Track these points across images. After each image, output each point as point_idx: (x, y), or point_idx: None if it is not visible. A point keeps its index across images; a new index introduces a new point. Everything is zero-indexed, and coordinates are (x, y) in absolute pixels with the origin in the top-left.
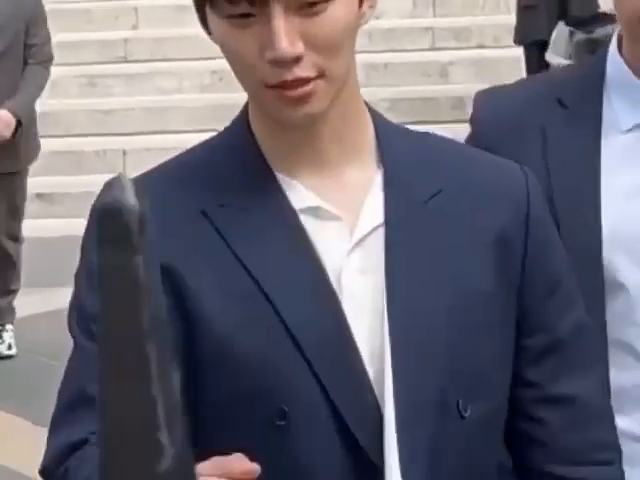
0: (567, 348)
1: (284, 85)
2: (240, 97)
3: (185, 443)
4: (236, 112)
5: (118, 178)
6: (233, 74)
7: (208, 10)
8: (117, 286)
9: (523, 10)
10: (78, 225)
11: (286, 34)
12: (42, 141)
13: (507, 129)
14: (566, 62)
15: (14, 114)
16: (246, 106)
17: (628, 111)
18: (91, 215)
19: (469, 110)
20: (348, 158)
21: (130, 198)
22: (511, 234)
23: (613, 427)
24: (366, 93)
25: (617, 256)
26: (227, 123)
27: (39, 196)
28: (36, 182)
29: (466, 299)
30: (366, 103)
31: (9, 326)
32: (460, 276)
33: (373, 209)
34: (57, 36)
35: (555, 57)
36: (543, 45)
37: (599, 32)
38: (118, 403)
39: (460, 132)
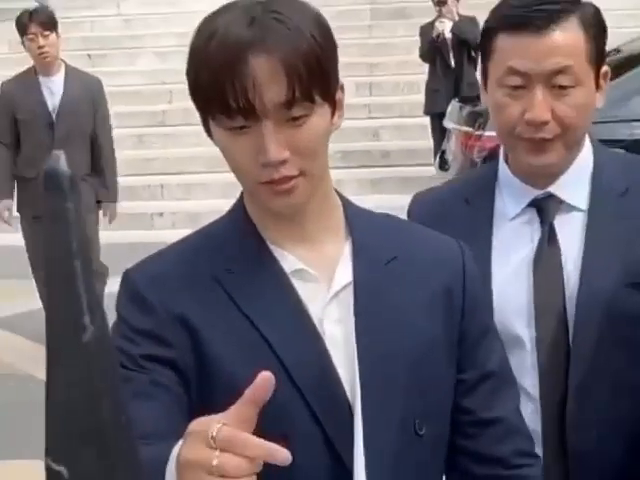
0: (495, 379)
1: (273, 182)
2: None
3: (103, 325)
4: None
5: (56, 154)
6: None
7: (211, 122)
8: (54, 222)
9: (430, 92)
10: (132, 235)
11: (275, 143)
12: None
13: (429, 223)
14: (457, 127)
15: (115, 202)
16: (242, 194)
17: (513, 203)
18: (123, 281)
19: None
20: (324, 233)
21: (64, 166)
22: (452, 289)
23: (531, 439)
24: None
25: (509, 317)
26: (227, 165)
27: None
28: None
29: (420, 341)
30: (336, 191)
31: None
32: (415, 323)
33: (344, 271)
34: (118, 108)
35: (450, 123)
36: (442, 115)
37: (480, 107)
38: (57, 297)
39: (385, 173)
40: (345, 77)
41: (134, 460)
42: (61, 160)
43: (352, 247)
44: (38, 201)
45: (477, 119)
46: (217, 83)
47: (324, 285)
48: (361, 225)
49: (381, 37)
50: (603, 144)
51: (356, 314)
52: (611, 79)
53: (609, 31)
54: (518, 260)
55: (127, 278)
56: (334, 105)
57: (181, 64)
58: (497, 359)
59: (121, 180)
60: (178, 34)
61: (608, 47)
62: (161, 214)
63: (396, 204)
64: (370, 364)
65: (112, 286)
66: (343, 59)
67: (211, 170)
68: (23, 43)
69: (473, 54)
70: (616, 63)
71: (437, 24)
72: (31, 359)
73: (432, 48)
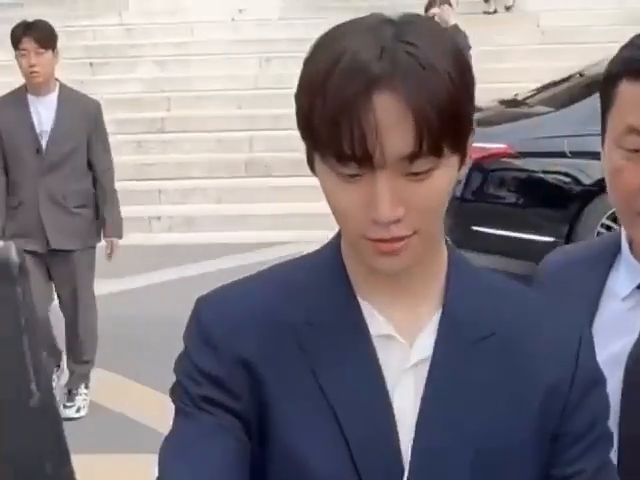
0: (586, 476)
1: (381, 240)
2: (234, 157)
3: (48, 390)
4: (229, 167)
5: (6, 245)
6: (232, 145)
7: (316, 157)
8: (4, 304)
9: None
10: (130, 238)
11: (389, 200)
12: None
13: (552, 286)
14: None
15: (119, 237)
16: (338, 233)
17: (627, 281)
18: (194, 311)
19: None
20: (421, 290)
21: (13, 256)
22: (557, 385)
23: None
24: None
25: None
26: (224, 171)
27: (220, 219)
28: (212, 207)
29: (494, 446)
30: (446, 241)
31: (82, 389)
32: (494, 416)
33: (427, 341)
34: (119, 115)
35: None
36: None
37: None
38: (5, 369)
39: None
40: None
41: None
42: (12, 250)
43: (442, 313)
44: (24, 231)
45: None
46: (333, 124)
47: (407, 352)
48: (460, 288)
49: None
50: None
51: (423, 397)
52: (590, 94)
53: (599, 46)
54: (615, 349)
55: (198, 310)
56: (464, 154)
57: (179, 73)
58: (597, 460)
59: (120, 184)
60: (177, 44)
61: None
62: (158, 218)
63: None
64: (423, 457)
65: (112, 287)
66: None
67: (208, 176)
68: (16, 57)
69: None
70: (595, 79)
71: None
72: None
73: None
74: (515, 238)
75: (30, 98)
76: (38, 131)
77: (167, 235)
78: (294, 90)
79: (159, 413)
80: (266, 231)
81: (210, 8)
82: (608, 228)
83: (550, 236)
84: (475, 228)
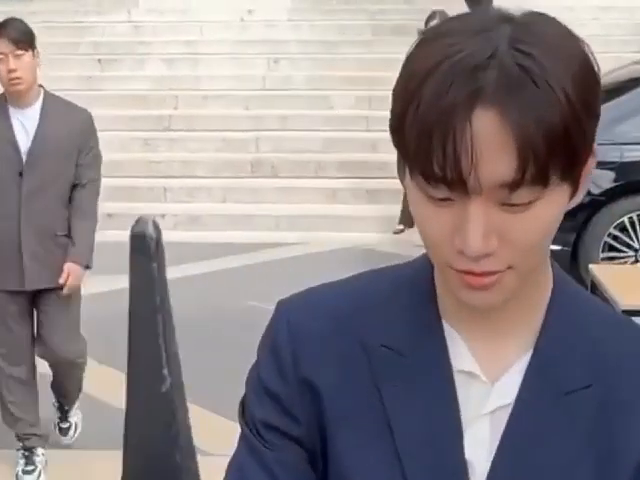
0: None
1: (470, 272)
2: (240, 157)
3: (178, 375)
4: (235, 166)
5: (144, 219)
6: (239, 145)
7: (407, 171)
8: (140, 279)
9: None
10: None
11: (480, 232)
12: (111, 180)
13: None
14: None
15: (81, 264)
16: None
17: None
18: (274, 315)
19: (390, 172)
20: (514, 324)
21: (150, 230)
22: None
23: None
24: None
25: None
26: (230, 170)
27: (109, 215)
28: (106, 206)
29: None
30: (553, 266)
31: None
32: None
33: (511, 384)
34: (126, 112)
35: None
36: None
37: None
38: (139, 349)
39: (382, 184)
40: (345, 90)
41: None
42: (149, 224)
43: (531, 357)
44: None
45: None
46: (425, 136)
47: (488, 392)
48: (559, 327)
49: (381, 52)
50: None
51: (498, 448)
52: (601, 103)
53: (609, 56)
54: None
55: (275, 318)
56: (577, 183)
57: (187, 71)
58: None
59: (126, 181)
60: (185, 42)
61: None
62: (163, 216)
63: (392, 213)
64: None
65: (117, 284)
66: (344, 73)
67: (213, 175)
68: None
69: None
70: (608, 87)
71: None
72: None
73: None
74: None
75: (11, 110)
76: (22, 150)
77: (171, 233)
78: (300, 92)
79: None
80: (271, 232)
81: (219, 8)
82: (615, 238)
83: (557, 244)
84: None
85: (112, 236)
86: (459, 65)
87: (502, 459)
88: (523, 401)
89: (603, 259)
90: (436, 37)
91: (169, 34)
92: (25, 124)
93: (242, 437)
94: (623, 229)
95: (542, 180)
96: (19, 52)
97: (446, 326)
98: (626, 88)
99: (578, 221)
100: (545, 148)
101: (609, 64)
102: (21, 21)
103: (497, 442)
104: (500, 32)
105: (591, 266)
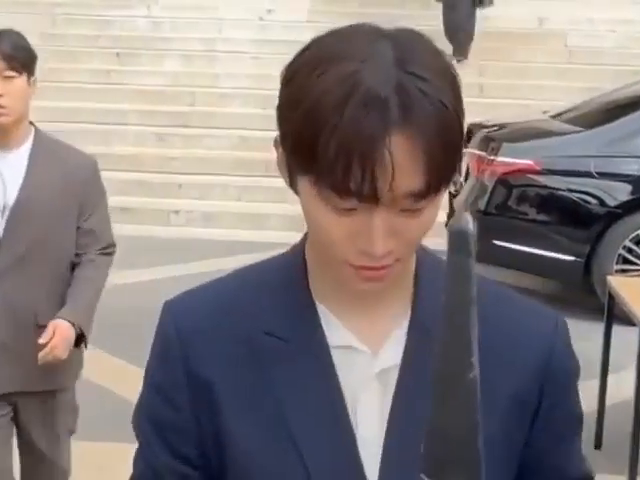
0: None
1: (366, 267)
2: (256, 156)
3: (478, 366)
4: (250, 165)
5: (464, 216)
6: (255, 144)
7: (305, 182)
8: (459, 274)
9: None
10: (148, 230)
11: (384, 237)
12: (125, 174)
13: None
14: (470, 150)
15: (75, 325)
16: (304, 238)
17: None
18: (160, 316)
19: None
20: (386, 294)
21: (470, 227)
22: (525, 393)
23: None
24: None
25: None
26: (245, 169)
27: (123, 210)
28: (120, 200)
29: None
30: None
31: None
32: None
33: (394, 348)
34: (143, 106)
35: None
36: None
37: (494, 131)
38: (452, 339)
39: None
40: None
41: None
42: (468, 220)
43: (410, 320)
44: None
45: (490, 143)
46: (344, 161)
47: (369, 361)
48: (429, 291)
49: None
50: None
51: (392, 407)
52: (618, 117)
53: (626, 69)
54: None
55: (162, 318)
56: (454, 182)
57: (205, 69)
58: (583, 469)
59: (140, 176)
60: (204, 39)
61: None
62: (177, 212)
63: None
64: (393, 471)
65: (128, 278)
66: None
67: (228, 173)
68: None
69: None
70: (624, 101)
71: None
72: None
73: None
74: (536, 255)
75: None
76: (1, 206)
77: (184, 229)
78: None
79: None
80: (284, 231)
81: (238, 6)
82: (630, 251)
83: (571, 255)
84: (497, 242)
85: (126, 230)
86: (371, 96)
87: (396, 414)
88: (408, 360)
89: (617, 271)
90: (326, 64)
91: (188, 31)
92: (4, 174)
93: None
94: (638, 242)
95: (438, 189)
96: (9, 73)
97: (320, 307)
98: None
99: (593, 233)
100: (444, 161)
101: (626, 78)
102: (20, 35)
103: (389, 401)
104: (386, 55)
105: (609, 278)
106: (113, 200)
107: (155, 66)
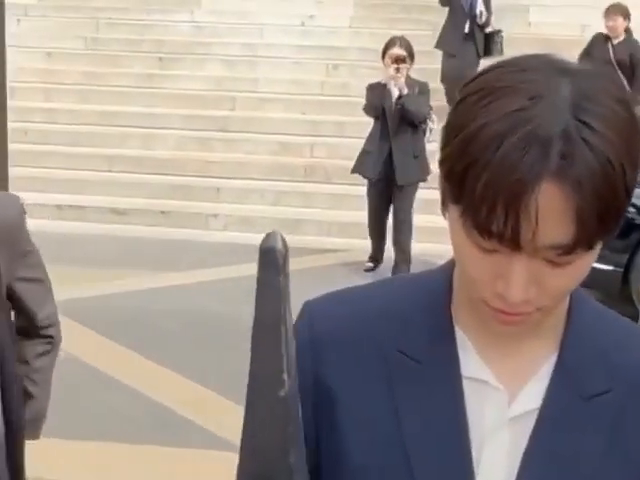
0: None
1: (503, 312)
2: (294, 161)
3: (295, 382)
4: (289, 170)
5: (273, 233)
6: (294, 149)
7: (453, 211)
8: (267, 291)
9: (363, 152)
10: (187, 234)
11: (522, 284)
12: (166, 178)
13: None
14: None
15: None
16: (454, 259)
17: None
18: (299, 314)
19: None
20: (531, 337)
21: (279, 244)
22: None
23: None
24: None
25: None
26: (285, 174)
27: (163, 213)
28: (161, 203)
29: None
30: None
31: None
32: None
33: (534, 392)
34: (184, 110)
35: None
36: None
37: None
38: (261, 356)
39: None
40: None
41: None
42: (278, 238)
43: (555, 364)
44: None
45: None
46: (490, 201)
47: (504, 401)
48: (580, 333)
49: (440, 63)
50: None
51: (526, 452)
52: None
53: None
54: None
55: (300, 317)
56: (611, 238)
57: (246, 74)
58: None
59: (180, 180)
60: (245, 45)
61: None
62: (215, 216)
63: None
64: None
65: (165, 281)
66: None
67: (267, 178)
68: None
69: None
70: None
71: (392, 87)
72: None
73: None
74: None
75: None
76: None
77: (222, 233)
78: (358, 99)
79: (198, 406)
80: (321, 237)
81: (280, 12)
82: None
83: (609, 265)
84: None
85: (165, 234)
86: (528, 139)
87: (531, 463)
88: (550, 406)
89: None
90: (495, 95)
91: (229, 35)
92: None
93: None
94: None
95: (590, 246)
96: None
97: (460, 335)
98: None
99: (631, 242)
100: (597, 221)
101: None
102: None
103: (519, 449)
104: (562, 95)
105: None
106: (154, 203)
107: (197, 71)
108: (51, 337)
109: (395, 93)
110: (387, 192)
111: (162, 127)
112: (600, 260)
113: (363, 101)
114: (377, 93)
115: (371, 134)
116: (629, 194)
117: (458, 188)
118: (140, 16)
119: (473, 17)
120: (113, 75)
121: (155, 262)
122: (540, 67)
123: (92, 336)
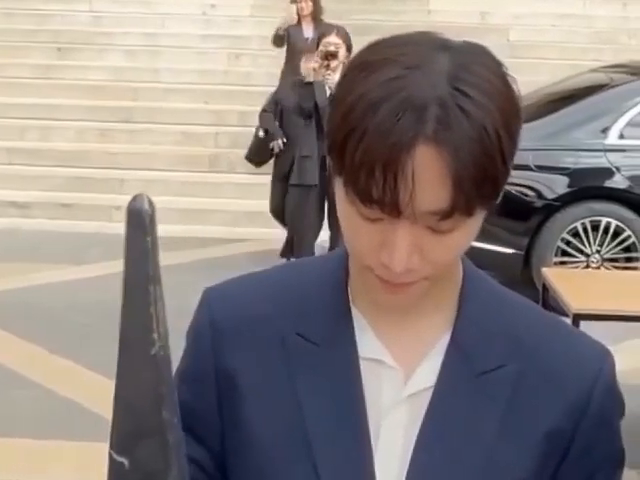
0: None
1: (388, 281)
2: (198, 151)
3: (166, 341)
4: (193, 161)
5: (140, 195)
6: (198, 139)
7: (338, 182)
8: (135, 251)
9: (301, 158)
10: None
11: (405, 252)
12: (67, 170)
13: None
14: None
15: None
16: None
17: None
18: (199, 303)
19: None
20: (426, 310)
21: (146, 206)
22: (560, 430)
23: None
24: None
25: None
26: (190, 165)
27: (64, 206)
28: (61, 196)
29: None
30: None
31: None
32: (491, 460)
33: (429, 370)
34: (84, 101)
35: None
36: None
37: None
38: (132, 315)
39: None
40: None
41: (183, 453)
42: (145, 200)
43: (449, 342)
44: None
45: None
46: (368, 166)
47: (400, 380)
48: (473, 312)
49: None
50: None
51: (421, 430)
52: (557, 110)
53: (566, 63)
54: None
55: (200, 304)
56: (491, 207)
57: (148, 63)
58: None
59: (82, 172)
60: (147, 34)
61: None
62: (119, 208)
63: None
64: None
65: (75, 274)
66: None
67: (170, 168)
68: None
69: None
70: (563, 94)
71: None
72: None
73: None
74: (475, 248)
75: None
76: None
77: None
78: (261, 87)
79: (108, 400)
80: (227, 227)
81: (182, 1)
82: (568, 243)
83: (510, 248)
84: None
85: (67, 227)
86: (403, 105)
87: (425, 440)
88: (444, 383)
89: (555, 263)
90: (373, 67)
91: (130, 25)
92: None
93: None
94: (576, 234)
95: (468, 212)
96: None
97: (356, 314)
98: (581, 96)
99: (531, 225)
100: (475, 186)
101: (566, 71)
102: None
103: (416, 425)
104: (439, 66)
105: (543, 269)
106: (55, 196)
107: (97, 61)
108: None
109: (327, 92)
110: (322, 194)
111: (62, 119)
112: (502, 243)
113: (266, 90)
114: (307, 93)
115: (300, 135)
116: (506, 163)
117: (340, 158)
118: (37, 5)
119: None
120: (10, 66)
121: (58, 255)
122: (420, 42)
123: None
